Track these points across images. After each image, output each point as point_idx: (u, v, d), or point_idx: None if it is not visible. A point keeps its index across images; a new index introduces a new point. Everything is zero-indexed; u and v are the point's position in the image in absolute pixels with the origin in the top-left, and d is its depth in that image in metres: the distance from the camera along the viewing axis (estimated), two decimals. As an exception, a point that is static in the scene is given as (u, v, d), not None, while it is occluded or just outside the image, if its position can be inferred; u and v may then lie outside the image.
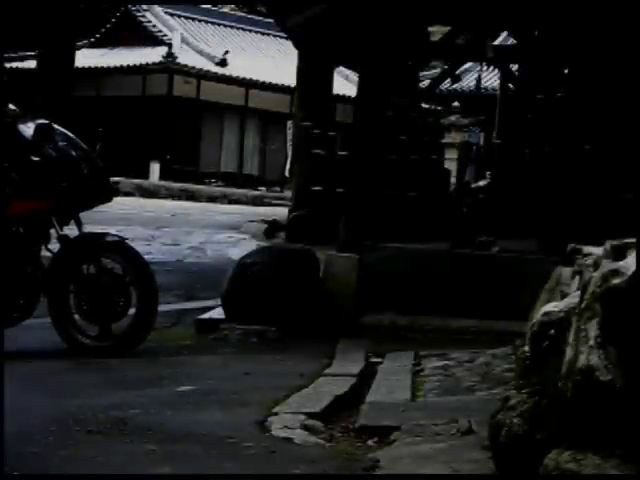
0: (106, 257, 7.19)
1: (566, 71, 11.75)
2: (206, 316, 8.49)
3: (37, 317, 7.35)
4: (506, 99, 21.80)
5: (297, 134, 15.92)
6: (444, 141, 18.93)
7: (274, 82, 36.40)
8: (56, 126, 7.30)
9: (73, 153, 7.27)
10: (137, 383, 6.03)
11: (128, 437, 4.58)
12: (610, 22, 9.65)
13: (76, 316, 7.13)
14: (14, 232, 7.07)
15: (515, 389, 3.54)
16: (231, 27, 40.06)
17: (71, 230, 7.30)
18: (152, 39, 36.46)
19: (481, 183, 17.92)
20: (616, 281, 3.05)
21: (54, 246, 7.26)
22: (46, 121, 7.28)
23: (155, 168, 34.44)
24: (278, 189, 34.72)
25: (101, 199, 7.54)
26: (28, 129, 7.15)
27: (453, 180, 17.11)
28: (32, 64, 26.39)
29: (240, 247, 14.36)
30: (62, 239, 7.19)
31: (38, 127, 7.13)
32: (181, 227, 19.15)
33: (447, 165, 16.63)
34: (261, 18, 37.27)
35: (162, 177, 34.11)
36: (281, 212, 18.87)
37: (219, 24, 39.77)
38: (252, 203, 31.68)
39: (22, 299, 7.11)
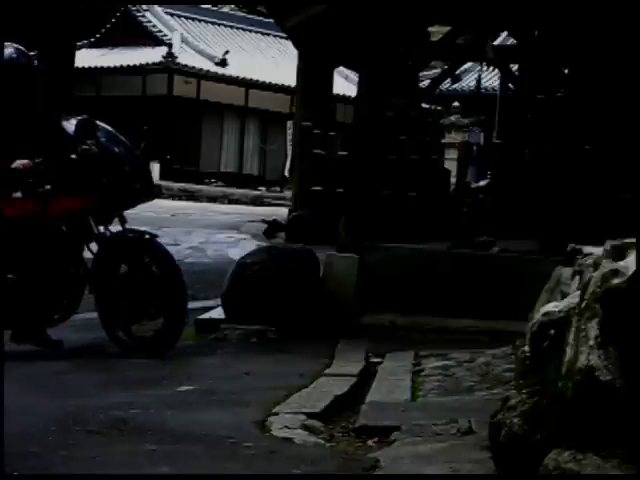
0: (142, 256, 6.98)
1: (566, 71, 11.77)
2: (206, 316, 8.48)
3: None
4: (506, 99, 21.85)
5: (297, 134, 15.91)
6: (444, 141, 18.95)
7: (274, 82, 36.40)
8: (98, 122, 7.07)
9: (116, 150, 7.06)
10: (137, 383, 6.02)
11: (128, 437, 4.58)
12: (610, 22, 9.66)
13: (119, 314, 6.96)
14: (56, 231, 6.90)
15: (515, 389, 3.54)
16: (231, 27, 40.05)
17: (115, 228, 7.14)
18: (152, 39, 36.47)
19: (481, 183, 17.95)
20: (616, 281, 3.06)
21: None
22: (87, 117, 7.04)
23: (155, 168, 34.42)
24: (278, 189, 34.73)
25: (143, 198, 7.34)
26: (70, 125, 6.94)
27: (453, 180, 17.12)
28: (32, 64, 26.41)
29: (240, 247, 14.34)
30: (99, 238, 6.99)
31: (80, 123, 6.91)
32: (181, 227, 19.13)
33: (447, 165, 16.66)
34: (261, 18, 37.26)
35: (162, 177, 34.06)
36: (281, 212, 18.87)
37: (219, 24, 39.77)
38: (252, 203, 31.70)
39: (65, 299, 6.97)
